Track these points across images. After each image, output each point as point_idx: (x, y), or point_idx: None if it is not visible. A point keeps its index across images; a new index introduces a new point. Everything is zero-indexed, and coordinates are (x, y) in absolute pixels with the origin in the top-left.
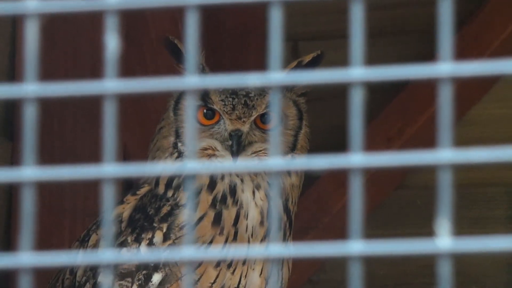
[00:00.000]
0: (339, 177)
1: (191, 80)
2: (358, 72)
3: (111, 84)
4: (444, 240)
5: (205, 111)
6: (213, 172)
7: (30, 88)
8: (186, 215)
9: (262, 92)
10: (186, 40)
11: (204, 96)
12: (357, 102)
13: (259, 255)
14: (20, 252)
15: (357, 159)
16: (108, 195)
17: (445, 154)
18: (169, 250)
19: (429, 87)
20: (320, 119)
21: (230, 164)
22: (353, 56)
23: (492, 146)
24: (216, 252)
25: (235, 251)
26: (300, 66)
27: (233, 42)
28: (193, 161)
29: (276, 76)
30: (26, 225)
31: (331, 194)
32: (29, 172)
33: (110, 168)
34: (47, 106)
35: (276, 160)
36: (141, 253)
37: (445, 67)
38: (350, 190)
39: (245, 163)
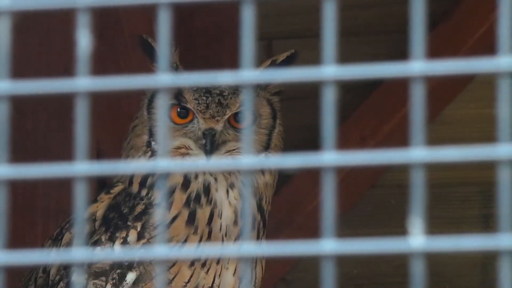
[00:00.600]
0: (313, 176)
1: (164, 78)
2: (330, 71)
3: (83, 82)
4: (417, 239)
5: (178, 109)
6: (186, 170)
7: (2, 86)
8: (159, 214)
9: (236, 91)
10: (158, 38)
11: (178, 94)
12: (329, 100)
13: (232, 253)
14: None
15: (329, 157)
16: (81, 193)
17: (418, 153)
18: (143, 249)
19: (402, 86)
20: (292, 119)
21: (203, 162)
22: (326, 54)
23: (465, 146)
24: (190, 250)
25: (209, 250)
26: (274, 65)
27: (206, 42)
28: (166, 160)
29: (249, 74)
30: None
31: (304, 194)
32: (1, 170)
33: (82, 166)
34: (20, 104)
35: (249, 159)
36: (114, 252)
37: (418, 66)
38: (323, 188)
39: (218, 162)
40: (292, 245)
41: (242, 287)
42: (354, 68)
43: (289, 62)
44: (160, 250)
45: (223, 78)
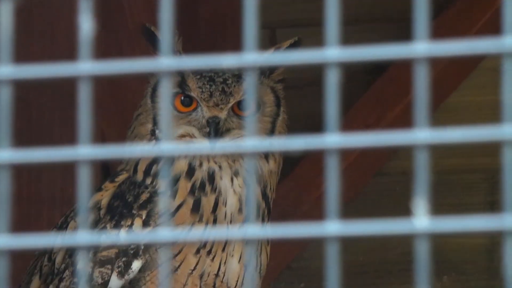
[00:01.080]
0: (318, 164)
1: (166, 61)
2: (333, 53)
3: (86, 66)
4: (421, 220)
5: (182, 98)
6: (189, 154)
7: (4, 70)
8: (163, 200)
9: (239, 78)
10: (160, 20)
11: (182, 83)
12: (332, 83)
13: (237, 236)
14: None
15: (333, 139)
16: (84, 177)
17: (422, 134)
18: (148, 233)
19: (406, 73)
20: (295, 107)
21: (206, 146)
22: (329, 36)
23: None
24: (194, 234)
25: (214, 233)
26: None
27: (209, 31)
28: (170, 144)
29: (251, 57)
30: (1, 208)
31: (309, 182)
32: (4, 154)
33: (85, 150)
34: (25, 93)
35: (252, 141)
36: (119, 236)
37: (421, 47)
38: (326, 171)
39: (222, 145)
40: (297, 228)
41: (247, 272)
42: (357, 50)
43: (292, 49)
44: (164, 234)
45: (226, 61)
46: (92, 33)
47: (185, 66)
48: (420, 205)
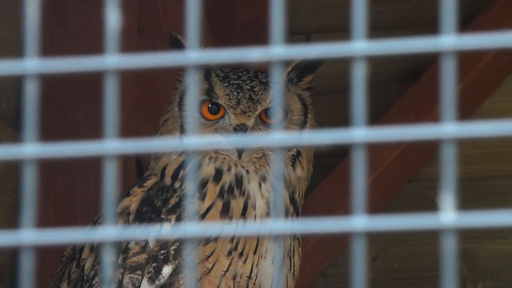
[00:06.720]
0: (350, 171)
1: (192, 55)
2: (360, 46)
3: (112, 59)
4: (448, 215)
5: (210, 105)
6: (214, 148)
7: (30, 64)
8: (190, 203)
9: (267, 86)
10: (187, 14)
11: (209, 90)
12: (359, 77)
13: (263, 232)
14: (21, 229)
15: (360, 133)
16: (110, 172)
17: (449, 128)
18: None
19: (439, 80)
20: (321, 114)
21: (231, 141)
22: (355, 29)
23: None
24: (222, 230)
25: (241, 230)
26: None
27: (244, 37)
28: (196, 140)
29: (278, 50)
30: (27, 202)
31: (342, 188)
32: (30, 148)
33: (111, 144)
34: (60, 99)
35: (278, 135)
36: (144, 236)
37: (448, 40)
38: (353, 165)
39: (248, 139)
40: (324, 222)
41: (280, 273)
42: (384, 43)
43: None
44: (192, 229)
45: (251, 54)
46: (118, 26)
47: (211, 60)
48: (447, 199)
